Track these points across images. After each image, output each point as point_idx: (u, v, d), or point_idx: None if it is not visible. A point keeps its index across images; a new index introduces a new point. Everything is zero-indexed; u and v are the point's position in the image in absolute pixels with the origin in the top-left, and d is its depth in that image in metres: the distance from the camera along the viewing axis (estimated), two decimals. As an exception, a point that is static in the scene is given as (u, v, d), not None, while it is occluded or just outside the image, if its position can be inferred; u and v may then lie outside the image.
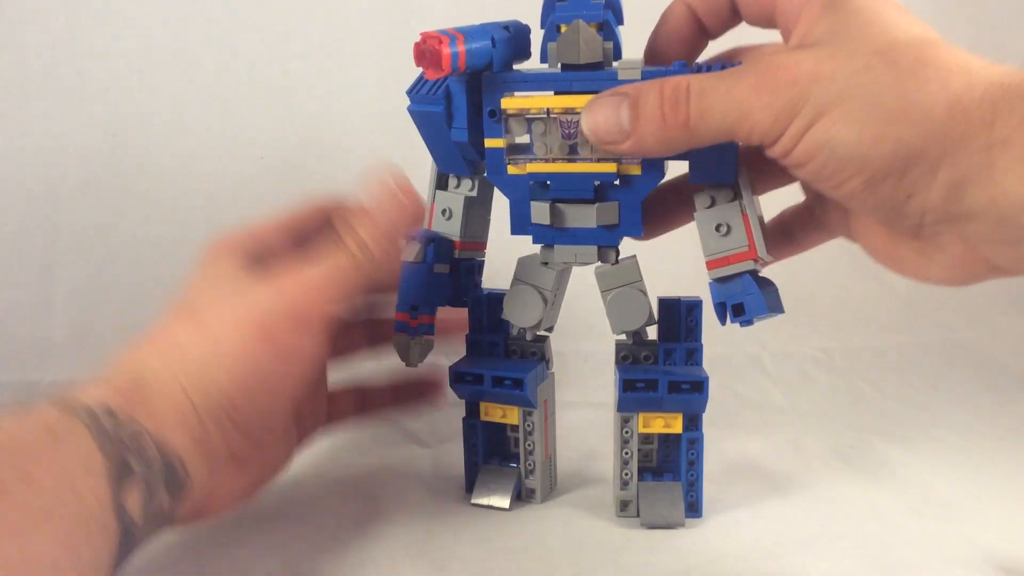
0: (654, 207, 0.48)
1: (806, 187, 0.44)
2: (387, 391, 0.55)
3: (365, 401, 0.54)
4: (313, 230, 0.48)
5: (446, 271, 0.49)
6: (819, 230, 0.45)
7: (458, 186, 0.50)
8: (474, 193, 0.50)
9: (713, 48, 0.46)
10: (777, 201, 0.47)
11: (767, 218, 0.47)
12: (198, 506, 0.41)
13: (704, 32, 0.45)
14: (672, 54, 0.45)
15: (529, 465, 0.54)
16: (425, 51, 0.41)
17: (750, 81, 0.36)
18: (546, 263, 0.49)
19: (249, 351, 0.40)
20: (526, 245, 0.50)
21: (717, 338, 0.53)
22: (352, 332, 0.53)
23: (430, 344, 0.50)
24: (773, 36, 0.43)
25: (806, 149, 0.35)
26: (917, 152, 0.33)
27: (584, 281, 0.51)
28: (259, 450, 0.44)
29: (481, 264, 0.52)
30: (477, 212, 0.51)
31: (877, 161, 0.34)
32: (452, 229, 0.50)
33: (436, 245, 0.48)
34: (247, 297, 0.41)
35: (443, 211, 0.50)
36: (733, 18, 0.44)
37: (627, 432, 0.51)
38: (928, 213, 0.35)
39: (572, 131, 0.45)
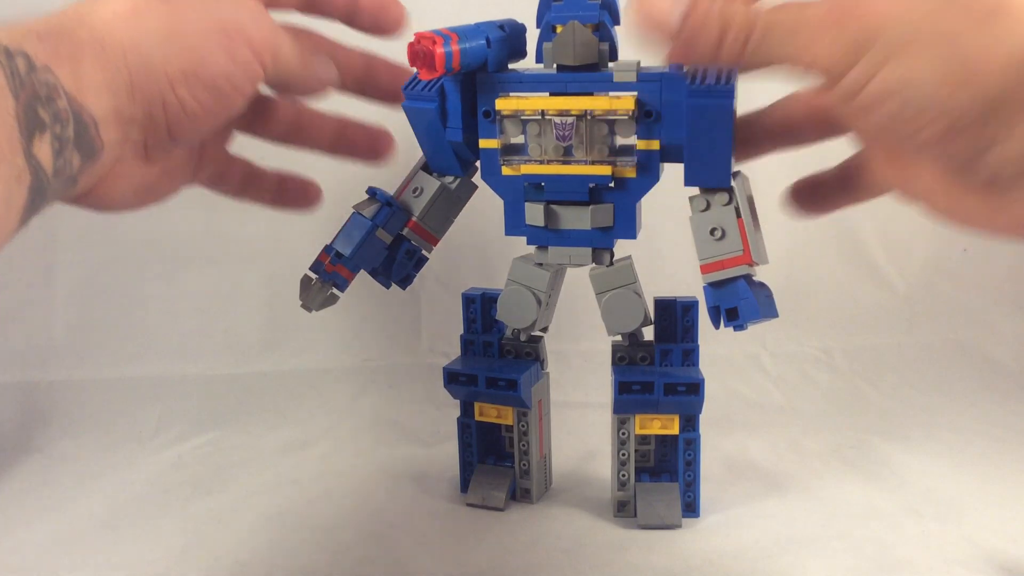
0: (749, 128, 0.44)
1: (854, 140, 0.42)
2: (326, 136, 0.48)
3: (252, 179, 0.48)
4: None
5: (387, 241, 0.49)
6: (851, 193, 0.43)
7: (443, 176, 0.50)
8: (453, 186, 0.50)
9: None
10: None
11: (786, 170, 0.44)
12: (98, 184, 0.39)
13: (792, 135, 0.43)
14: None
15: (524, 465, 0.54)
16: (419, 51, 0.41)
17: (821, 10, 0.33)
18: (540, 264, 0.49)
19: (207, 51, 0.38)
20: (520, 246, 0.50)
21: (717, 338, 0.53)
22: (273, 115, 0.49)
23: (334, 299, 0.48)
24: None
25: (878, 90, 0.33)
26: (998, 101, 0.32)
27: (584, 281, 0.51)
28: (168, 157, 0.42)
29: (423, 260, 0.51)
30: (445, 205, 0.50)
31: (959, 108, 0.32)
32: (415, 207, 0.49)
33: (391, 212, 0.48)
34: (227, 4, 0.39)
35: (416, 189, 0.50)
36: (824, 135, 0.42)
37: (624, 433, 0.51)
38: (1008, 164, 0.33)
39: (567, 133, 0.45)
